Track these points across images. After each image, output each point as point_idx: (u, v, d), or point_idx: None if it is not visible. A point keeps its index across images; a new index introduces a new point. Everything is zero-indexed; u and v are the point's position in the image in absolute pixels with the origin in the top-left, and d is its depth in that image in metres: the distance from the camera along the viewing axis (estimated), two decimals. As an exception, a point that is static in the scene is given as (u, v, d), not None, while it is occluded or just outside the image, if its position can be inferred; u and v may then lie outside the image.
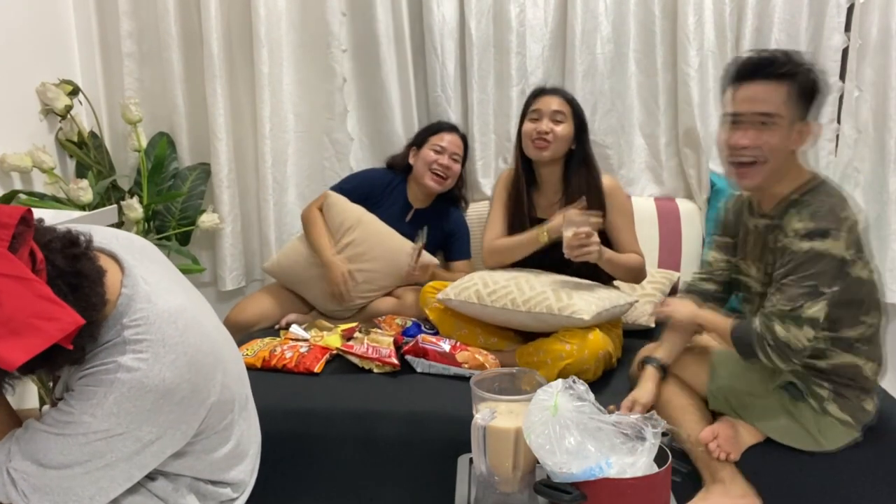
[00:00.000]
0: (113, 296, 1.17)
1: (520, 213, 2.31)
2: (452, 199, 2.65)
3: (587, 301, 2.04)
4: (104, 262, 1.19)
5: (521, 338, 2.20)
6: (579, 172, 2.27)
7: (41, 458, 1.15)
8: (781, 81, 1.65)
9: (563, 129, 2.23)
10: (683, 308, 1.85)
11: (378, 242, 2.49)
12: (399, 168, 2.64)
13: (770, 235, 1.73)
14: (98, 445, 1.15)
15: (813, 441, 1.72)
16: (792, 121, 1.66)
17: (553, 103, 2.25)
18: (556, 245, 2.16)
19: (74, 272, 1.10)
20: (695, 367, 1.86)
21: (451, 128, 2.60)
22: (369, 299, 2.51)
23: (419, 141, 2.58)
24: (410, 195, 2.60)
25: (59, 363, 1.11)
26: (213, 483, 1.39)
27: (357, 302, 2.50)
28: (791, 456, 1.75)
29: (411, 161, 2.58)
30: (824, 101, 1.72)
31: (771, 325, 1.61)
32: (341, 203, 2.54)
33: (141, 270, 1.23)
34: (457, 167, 2.56)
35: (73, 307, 1.07)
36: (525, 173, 2.32)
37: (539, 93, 2.31)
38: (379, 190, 2.59)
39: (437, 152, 2.52)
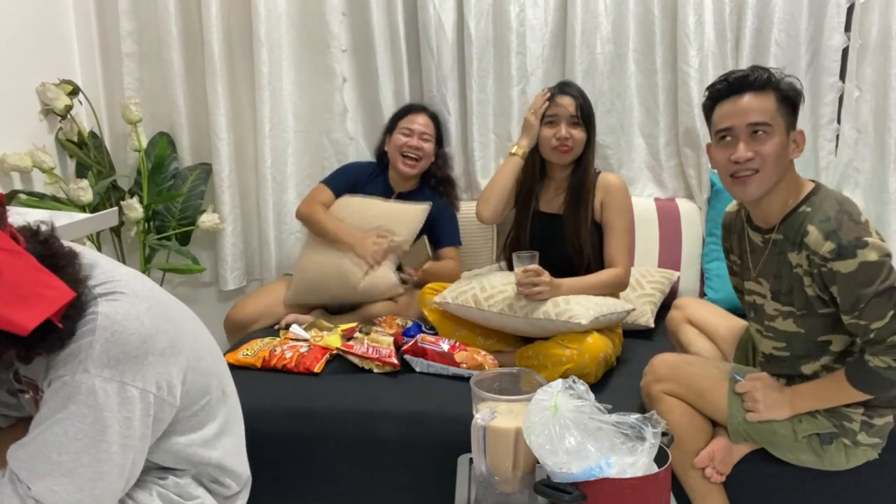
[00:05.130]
0: None
1: (528, 206, 2.32)
2: (436, 178, 2.65)
3: (584, 306, 2.04)
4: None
5: (519, 339, 2.20)
6: (584, 170, 2.26)
7: (54, 459, 1.14)
8: (767, 91, 1.64)
9: (580, 133, 2.22)
10: (778, 410, 1.69)
11: (364, 211, 2.52)
12: (382, 159, 2.67)
13: (782, 250, 1.67)
14: (96, 413, 1.15)
15: (835, 467, 1.72)
16: (786, 129, 1.65)
17: (570, 107, 2.22)
18: (562, 241, 2.22)
19: (50, 254, 1.14)
20: (712, 396, 1.76)
21: (420, 108, 2.62)
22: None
23: (390, 127, 2.62)
24: (392, 181, 2.63)
25: (53, 342, 1.13)
26: (215, 481, 1.41)
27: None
28: (797, 470, 1.76)
29: (386, 148, 2.61)
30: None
31: (882, 349, 1.54)
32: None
33: (96, 255, 1.28)
34: (428, 146, 2.57)
35: None
36: (535, 169, 2.32)
37: (555, 93, 2.27)
38: (363, 179, 2.63)
39: (405, 135, 2.55)
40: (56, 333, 1.11)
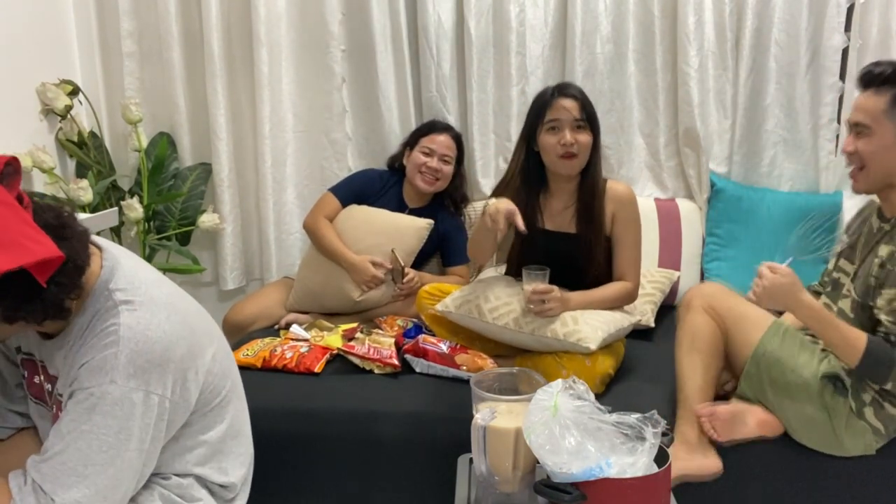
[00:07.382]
0: (95, 266, 1.23)
1: (530, 225, 2.06)
2: (451, 198, 2.64)
3: (593, 327, 1.96)
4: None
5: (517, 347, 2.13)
6: (593, 179, 2.10)
7: (80, 472, 1.15)
8: (881, 91, 1.66)
9: (586, 137, 2.04)
10: (778, 298, 1.64)
11: (368, 222, 2.51)
12: (396, 168, 2.65)
13: (880, 240, 1.70)
14: (121, 423, 1.16)
15: (834, 442, 1.72)
16: None
17: (573, 110, 2.03)
18: (574, 261, 2.10)
19: (61, 225, 1.16)
20: (751, 323, 1.79)
21: (444, 128, 2.58)
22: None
23: (412, 142, 2.59)
24: (406, 195, 2.61)
25: (41, 311, 1.13)
26: (217, 482, 1.40)
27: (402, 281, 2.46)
28: (806, 459, 1.76)
29: (405, 162, 2.58)
30: None
31: None
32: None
33: (117, 251, 1.29)
34: (448, 168, 2.55)
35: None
36: (534, 180, 2.12)
37: (553, 96, 2.06)
38: (374, 189, 2.60)
39: (425, 154, 2.52)
40: (42, 301, 1.11)
